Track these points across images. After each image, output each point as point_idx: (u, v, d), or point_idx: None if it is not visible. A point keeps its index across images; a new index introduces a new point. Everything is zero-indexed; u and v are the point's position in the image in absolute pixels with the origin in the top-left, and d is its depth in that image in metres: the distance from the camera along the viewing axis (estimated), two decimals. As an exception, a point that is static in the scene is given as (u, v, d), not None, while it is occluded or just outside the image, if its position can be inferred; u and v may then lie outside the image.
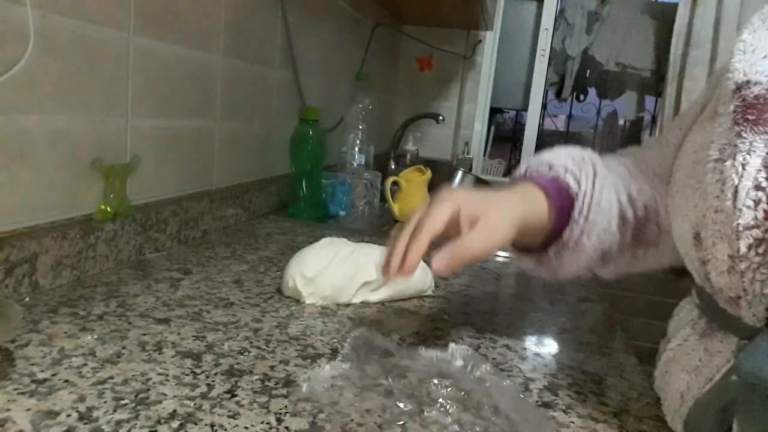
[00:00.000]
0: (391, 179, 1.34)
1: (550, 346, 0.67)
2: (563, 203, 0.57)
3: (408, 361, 0.52)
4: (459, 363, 0.50)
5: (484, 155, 2.74)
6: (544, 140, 3.32)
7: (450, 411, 0.46)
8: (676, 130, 0.58)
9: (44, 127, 0.66)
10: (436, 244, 0.52)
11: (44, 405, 0.43)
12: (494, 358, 0.61)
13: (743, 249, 0.39)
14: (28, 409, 0.42)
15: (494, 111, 2.77)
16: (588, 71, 3.04)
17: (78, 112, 0.71)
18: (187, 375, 0.50)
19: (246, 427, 0.43)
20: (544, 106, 2.82)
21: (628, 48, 2.87)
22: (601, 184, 0.57)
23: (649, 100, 3.06)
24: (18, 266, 0.62)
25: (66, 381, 0.47)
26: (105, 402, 0.44)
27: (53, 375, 0.47)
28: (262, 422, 0.44)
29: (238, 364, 0.53)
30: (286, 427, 0.44)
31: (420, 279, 0.76)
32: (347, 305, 0.72)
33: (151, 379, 0.49)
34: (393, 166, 1.87)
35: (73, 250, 0.69)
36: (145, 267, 0.78)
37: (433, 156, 2.27)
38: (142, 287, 0.70)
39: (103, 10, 0.72)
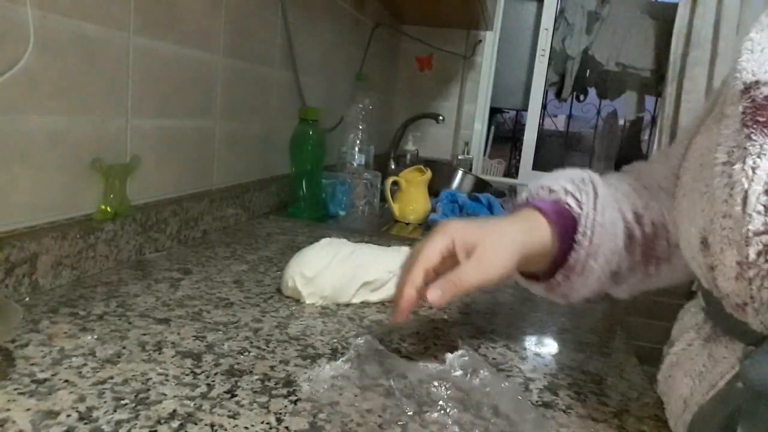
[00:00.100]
0: (391, 179, 1.34)
1: (550, 346, 0.67)
2: (566, 226, 0.56)
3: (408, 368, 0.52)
4: (458, 373, 0.50)
5: (484, 155, 2.74)
6: (544, 140, 3.32)
7: (450, 411, 0.46)
8: (684, 141, 0.56)
9: (44, 127, 0.66)
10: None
11: (44, 405, 0.43)
12: (494, 358, 0.61)
13: (752, 256, 0.37)
14: (28, 409, 0.42)
15: (494, 111, 2.77)
16: (588, 71, 3.04)
17: (78, 112, 0.71)
18: (187, 375, 0.50)
19: (246, 427, 0.43)
20: (544, 106, 2.82)
21: (628, 48, 2.88)
22: (603, 204, 0.56)
23: (649, 100, 3.06)
24: (18, 266, 0.62)
25: (66, 381, 0.47)
26: (105, 402, 0.44)
27: (53, 375, 0.47)
28: (262, 422, 0.44)
29: (238, 364, 0.53)
30: (286, 427, 0.44)
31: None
32: (347, 305, 0.72)
33: (151, 379, 0.49)
34: (393, 166, 1.87)
35: (73, 250, 0.69)
36: (145, 267, 0.78)
37: (433, 156, 2.27)
38: (142, 287, 0.70)
39: (103, 10, 0.72)
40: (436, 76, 2.41)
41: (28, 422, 0.41)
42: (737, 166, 0.39)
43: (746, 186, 0.38)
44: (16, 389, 0.45)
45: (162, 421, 0.43)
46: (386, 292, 0.74)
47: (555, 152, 3.59)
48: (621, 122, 3.42)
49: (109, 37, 0.74)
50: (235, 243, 0.96)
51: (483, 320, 0.72)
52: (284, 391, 0.49)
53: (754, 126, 0.39)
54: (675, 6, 2.42)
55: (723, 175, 0.40)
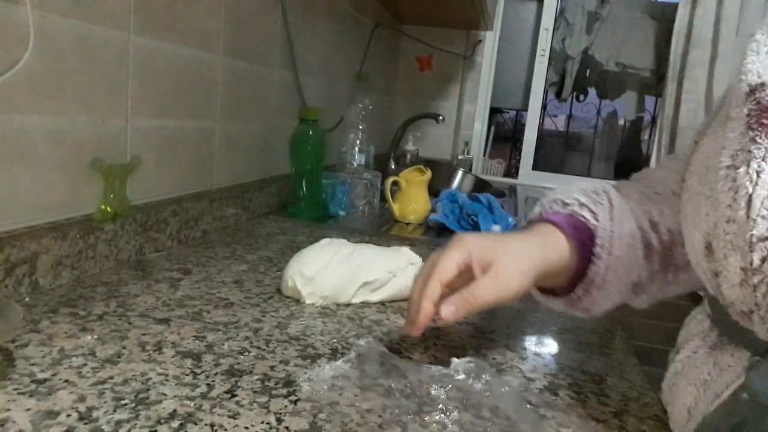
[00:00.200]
0: (391, 179, 1.34)
1: (550, 346, 0.67)
2: (583, 239, 0.55)
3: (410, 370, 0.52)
4: (461, 376, 0.50)
5: (484, 155, 2.74)
6: (544, 140, 3.32)
7: (450, 411, 0.46)
8: (692, 144, 0.56)
9: (44, 127, 0.66)
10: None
11: (44, 405, 0.43)
12: (494, 358, 0.61)
13: (757, 262, 0.36)
14: (28, 409, 0.42)
15: (494, 111, 2.77)
16: (588, 71, 3.04)
17: (78, 112, 0.71)
18: (187, 375, 0.50)
19: (246, 427, 0.43)
20: (544, 106, 2.82)
21: (628, 48, 2.88)
22: (619, 215, 0.55)
23: (649, 100, 3.06)
24: (18, 266, 0.62)
25: (66, 381, 0.47)
26: (105, 402, 0.44)
27: (53, 375, 0.47)
28: (262, 422, 0.44)
29: (238, 364, 0.53)
30: (286, 427, 0.44)
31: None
32: (347, 305, 0.72)
33: (151, 379, 0.49)
34: (393, 166, 1.87)
35: (73, 250, 0.69)
36: (145, 267, 0.78)
37: (433, 156, 2.28)
38: (142, 287, 0.70)
39: (102, 10, 0.72)
40: (436, 76, 2.41)
41: (28, 422, 0.41)
42: (741, 170, 0.38)
43: (750, 190, 0.37)
44: (16, 389, 0.45)
45: (162, 421, 0.43)
46: (386, 292, 0.74)
47: (555, 152, 3.59)
48: (621, 122, 3.43)
49: (108, 37, 0.74)
50: (235, 243, 0.96)
51: (483, 320, 0.72)
52: (284, 391, 0.49)
53: (759, 128, 0.38)
54: (675, 6, 2.42)
55: (727, 178, 0.39)
